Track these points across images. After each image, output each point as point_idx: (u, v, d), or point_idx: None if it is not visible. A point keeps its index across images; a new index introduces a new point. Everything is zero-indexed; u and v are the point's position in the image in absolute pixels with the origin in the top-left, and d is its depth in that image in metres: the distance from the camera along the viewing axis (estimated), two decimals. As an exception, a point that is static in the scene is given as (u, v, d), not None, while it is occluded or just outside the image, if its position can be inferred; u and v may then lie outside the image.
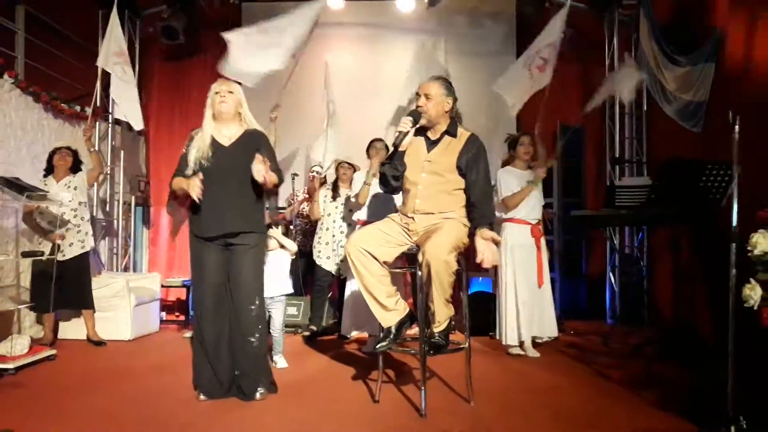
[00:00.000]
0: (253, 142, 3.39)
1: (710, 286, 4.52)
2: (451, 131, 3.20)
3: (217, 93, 3.39)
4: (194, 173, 3.31)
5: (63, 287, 4.91)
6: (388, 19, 7.01)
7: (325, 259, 5.47)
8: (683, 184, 3.84)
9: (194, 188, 3.17)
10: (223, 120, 3.41)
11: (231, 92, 3.41)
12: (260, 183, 3.26)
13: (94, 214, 6.28)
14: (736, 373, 2.52)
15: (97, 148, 6.19)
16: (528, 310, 4.58)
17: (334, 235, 5.44)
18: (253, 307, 3.38)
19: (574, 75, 7.15)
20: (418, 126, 3.19)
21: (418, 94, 3.20)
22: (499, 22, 7.10)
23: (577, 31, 6.72)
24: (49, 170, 5.07)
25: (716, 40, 4.62)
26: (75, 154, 5.17)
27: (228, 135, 3.42)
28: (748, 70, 4.07)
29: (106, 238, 6.78)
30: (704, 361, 3.72)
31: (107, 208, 6.72)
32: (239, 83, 3.68)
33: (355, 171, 5.49)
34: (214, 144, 3.36)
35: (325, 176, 6.01)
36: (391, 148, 3.23)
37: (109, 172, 6.74)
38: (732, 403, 2.49)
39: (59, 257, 4.89)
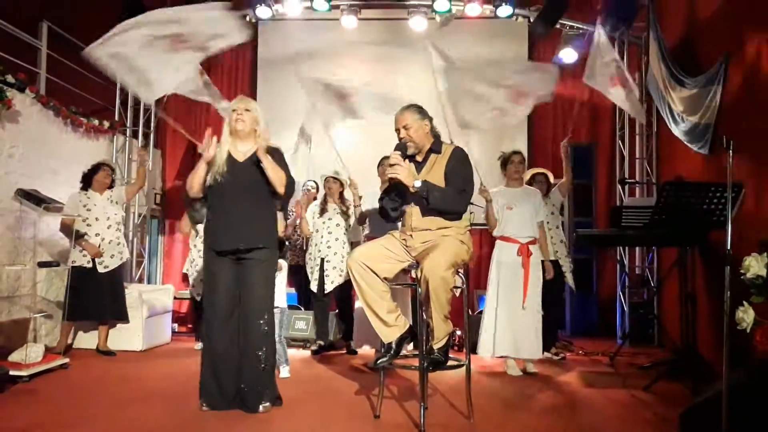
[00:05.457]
0: None
1: (711, 308, 4.51)
2: (435, 149, 3.27)
3: (234, 110, 3.48)
4: (209, 187, 3.44)
5: (100, 298, 5.09)
6: (400, 38, 7.10)
7: (309, 274, 5.48)
8: (686, 206, 3.87)
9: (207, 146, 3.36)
10: (239, 136, 3.50)
11: (248, 110, 3.49)
12: (265, 170, 3.35)
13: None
14: (731, 393, 2.53)
15: (114, 160, 6.39)
16: (503, 329, 4.51)
17: (320, 251, 5.41)
18: (261, 321, 3.43)
19: (583, 94, 7.17)
20: (407, 156, 3.25)
21: (397, 129, 3.26)
22: (510, 42, 7.16)
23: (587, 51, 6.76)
24: (86, 184, 5.23)
25: (724, 64, 4.64)
26: (113, 171, 5.41)
27: (243, 151, 3.50)
28: (754, 95, 4.09)
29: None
30: (702, 382, 3.71)
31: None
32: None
33: (342, 185, 5.51)
34: (230, 159, 3.45)
35: (317, 190, 5.97)
36: (385, 184, 3.30)
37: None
38: (726, 423, 2.49)
39: (100, 269, 5.10)
